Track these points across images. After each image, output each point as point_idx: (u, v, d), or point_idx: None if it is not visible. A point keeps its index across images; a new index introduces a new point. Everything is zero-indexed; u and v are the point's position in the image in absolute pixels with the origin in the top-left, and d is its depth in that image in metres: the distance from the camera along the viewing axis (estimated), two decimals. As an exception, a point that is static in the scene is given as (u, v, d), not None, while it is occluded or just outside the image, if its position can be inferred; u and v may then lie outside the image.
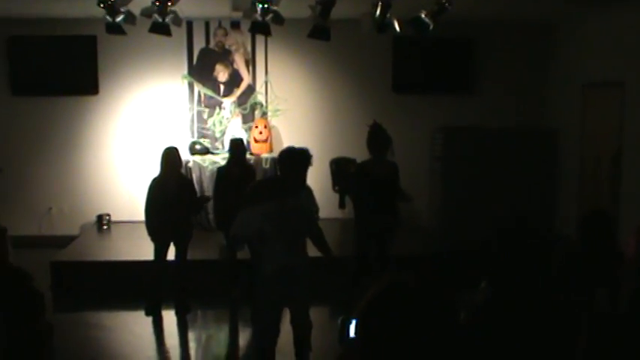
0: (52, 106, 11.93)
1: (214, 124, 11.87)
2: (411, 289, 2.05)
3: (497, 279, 3.82)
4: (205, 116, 11.95)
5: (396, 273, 2.10)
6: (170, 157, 8.10)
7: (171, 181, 8.04)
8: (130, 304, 8.64)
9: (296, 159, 5.71)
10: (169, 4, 9.11)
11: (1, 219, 6.25)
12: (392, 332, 1.99)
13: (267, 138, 11.56)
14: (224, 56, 12.01)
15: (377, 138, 8.00)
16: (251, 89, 12.07)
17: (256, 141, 11.52)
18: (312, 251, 6.03)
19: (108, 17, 9.25)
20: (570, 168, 11.25)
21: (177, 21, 9.60)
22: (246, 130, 11.69)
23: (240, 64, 12.05)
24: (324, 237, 6.03)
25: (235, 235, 5.85)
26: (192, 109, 12.02)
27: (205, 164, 11.25)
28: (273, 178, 5.93)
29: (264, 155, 11.28)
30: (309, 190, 6.04)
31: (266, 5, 8.90)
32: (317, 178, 11.85)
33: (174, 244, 8.25)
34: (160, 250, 8.20)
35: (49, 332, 5.25)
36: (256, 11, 9.03)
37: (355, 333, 2.06)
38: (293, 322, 5.95)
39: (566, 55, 11.64)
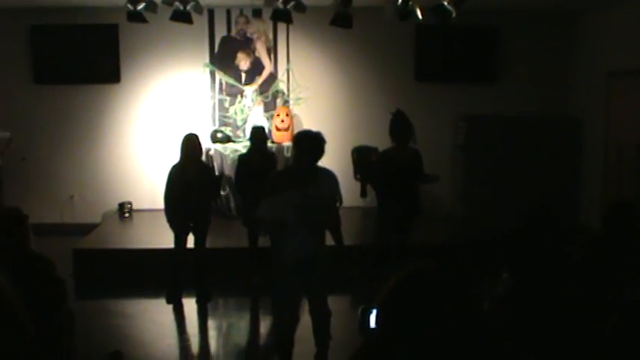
0: (73, 94, 11.96)
1: (236, 113, 11.85)
2: (432, 278, 2.02)
3: (520, 270, 3.78)
4: (227, 104, 11.93)
5: (416, 262, 2.07)
6: (190, 143, 8.06)
7: (191, 168, 8.02)
8: (151, 292, 8.66)
9: (312, 142, 5.66)
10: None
11: (23, 207, 6.28)
12: (413, 321, 1.96)
13: (289, 126, 11.51)
14: (246, 44, 11.98)
15: (399, 126, 7.95)
16: (273, 77, 12.03)
17: (278, 129, 11.48)
18: (330, 240, 6.00)
19: (129, 5, 9.28)
20: (594, 157, 11.15)
21: (198, 9, 9.61)
22: (267, 119, 11.65)
23: (261, 52, 12.01)
24: (340, 227, 6.01)
25: (260, 218, 5.82)
26: (214, 98, 12.01)
27: (227, 152, 11.23)
28: (294, 167, 5.87)
29: (286, 144, 11.23)
30: (334, 178, 5.95)
31: (287, -8, 8.90)
32: (339, 166, 11.77)
33: (193, 232, 8.24)
34: (179, 238, 8.20)
35: (70, 319, 5.28)
36: (278, -1, 9.02)
37: (376, 323, 2.03)
38: (312, 311, 5.91)
39: (591, 43, 11.51)
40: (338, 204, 6.77)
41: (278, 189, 5.58)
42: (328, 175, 5.86)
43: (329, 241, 5.96)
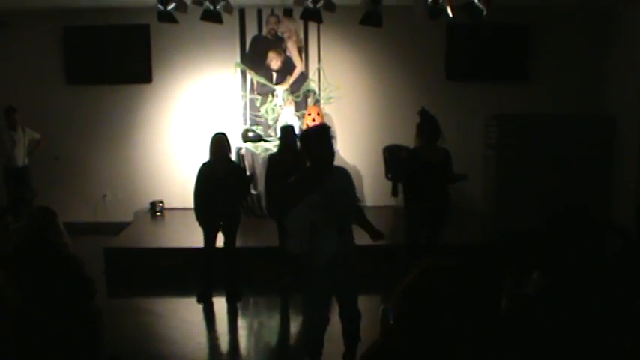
0: (106, 94, 12.07)
1: (267, 112, 11.86)
2: (446, 275, 2.00)
3: (553, 270, 3.73)
4: (258, 104, 11.95)
5: (432, 259, 2.05)
6: (218, 142, 8.10)
7: (220, 167, 8.06)
8: (182, 291, 8.70)
9: (324, 135, 5.56)
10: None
11: (57, 206, 6.35)
12: (425, 319, 1.95)
13: (320, 125, 11.49)
14: (276, 44, 11.99)
15: (426, 125, 7.90)
16: (304, 76, 12.03)
17: (309, 128, 11.47)
18: (360, 239, 5.94)
19: (159, 5, 9.32)
20: (628, 156, 10.98)
21: (228, 8, 9.62)
22: (298, 118, 11.65)
23: (292, 52, 12.01)
24: (366, 217, 5.97)
25: (290, 233, 5.72)
26: (245, 97, 12.05)
27: (258, 151, 11.25)
28: (308, 169, 5.73)
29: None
30: (349, 176, 5.83)
31: (318, -8, 8.90)
32: (370, 165, 11.87)
33: (222, 231, 8.28)
34: (209, 236, 8.24)
35: (98, 317, 5.29)
36: (308, -2, 9.02)
37: (391, 318, 2.03)
38: (342, 313, 5.87)
39: (624, 40, 11.34)
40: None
41: (298, 196, 5.50)
42: (343, 172, 5.77)
43: (360, 240, 5.91)
